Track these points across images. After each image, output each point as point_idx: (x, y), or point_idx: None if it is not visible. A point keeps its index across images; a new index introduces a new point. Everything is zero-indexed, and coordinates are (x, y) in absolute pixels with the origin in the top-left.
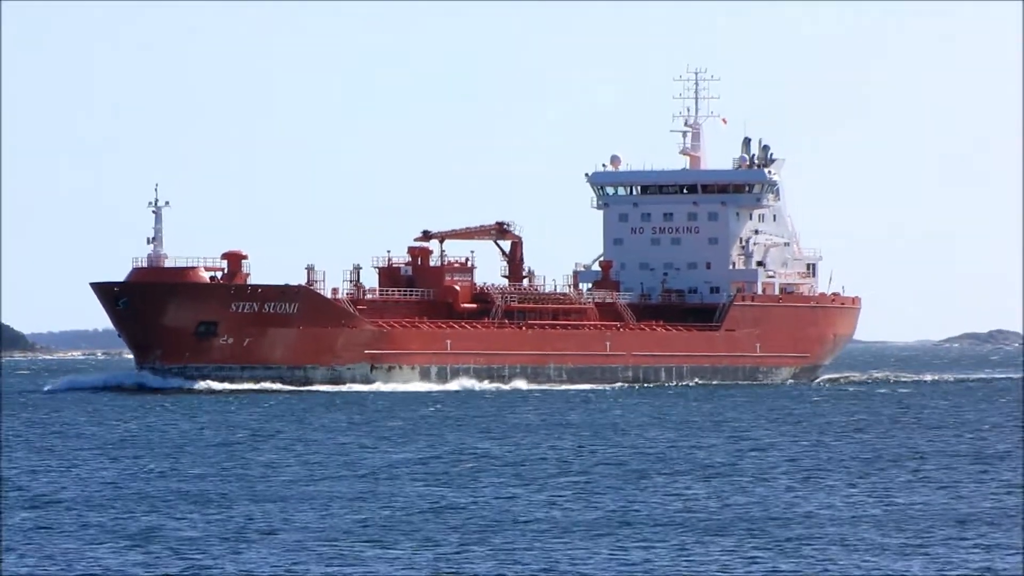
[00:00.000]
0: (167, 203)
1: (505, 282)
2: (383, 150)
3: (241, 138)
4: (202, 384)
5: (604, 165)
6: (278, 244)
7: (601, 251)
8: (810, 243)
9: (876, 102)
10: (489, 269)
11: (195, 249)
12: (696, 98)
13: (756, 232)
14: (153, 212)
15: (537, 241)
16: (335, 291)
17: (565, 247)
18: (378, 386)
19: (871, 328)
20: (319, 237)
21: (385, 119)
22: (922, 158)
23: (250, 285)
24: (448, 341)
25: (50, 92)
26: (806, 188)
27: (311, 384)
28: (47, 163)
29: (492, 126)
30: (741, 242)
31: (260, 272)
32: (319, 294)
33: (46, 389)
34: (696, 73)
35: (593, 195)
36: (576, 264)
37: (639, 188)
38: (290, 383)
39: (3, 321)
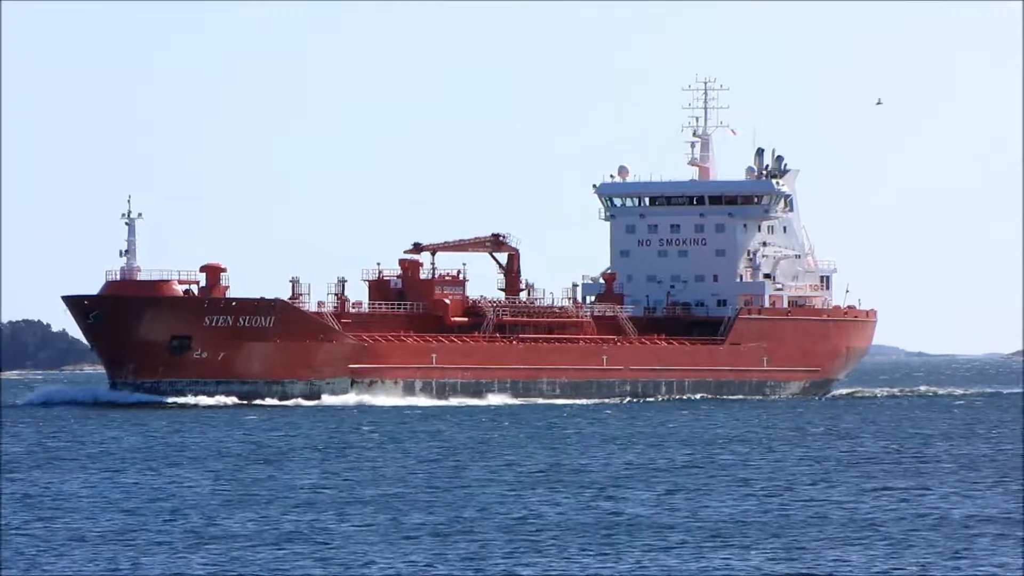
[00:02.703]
0: (140, 215)
1: (502, 295)
2: (375, 159)
3: (227, 148)
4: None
5: (612, 176)
6: (267, 257)
7: (608, 263)
8: (844, 256)
9: (897, 108)
10: (487, 282)
11: (180, 262)
12: (705, 108)
13: (764, 244)
14: (126, 224)
15: (542, 254)
16: (321, 304)
17: (572, 260)
18: (362, 400)
19: (937, 341)
20: (308, 250)
21: (377, 126)
22: (959, 164)
23: (224, 298)
24: (434, 355)
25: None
26: (835, 200)
27: (288, 399)
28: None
29: (493, 136)
30: (749, 254)
31: (245, 285)
32: (296, 307)
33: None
34: (705, 83)
35: (600, 206)
36: (583, 276)
37: (647, 199)
38: (267, 398)
39: (73, 336)
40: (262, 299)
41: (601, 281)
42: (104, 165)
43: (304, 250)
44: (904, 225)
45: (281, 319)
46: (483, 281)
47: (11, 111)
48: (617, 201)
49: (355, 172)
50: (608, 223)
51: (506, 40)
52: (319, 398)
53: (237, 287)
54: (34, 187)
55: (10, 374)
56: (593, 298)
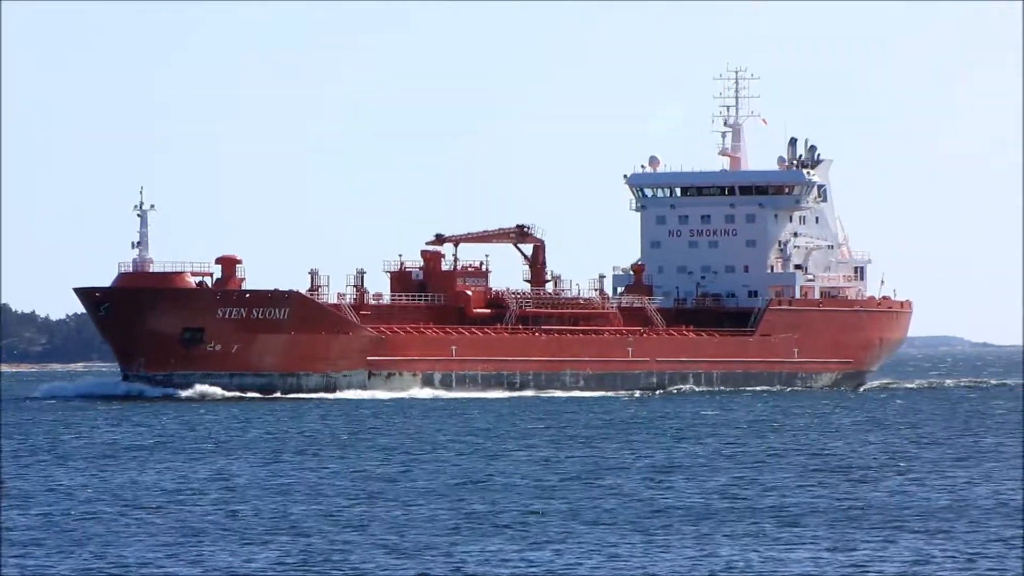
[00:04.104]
0: (152, 206)
1: (527, 287)
2: (398, 150)
3: (249, 139)
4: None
5: (643, 166)
6: (289, 249)
7: (639, 254)
8: (897, 247)
9: (931, 98)
10: (513, 274)
11: (201, 254)
12: (736, 97)
13: (795, 235)
14: (138, 215)
15: (572, 245)
16: (341, 296)
17: (603, 251)
18: (378, 393)
19: (1002, 332)
20: (330, 242)
21: (400, 117)
22: (1002, 150)
23: (237, 290)
24: (454, 347)
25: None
26: (879, 190)
27: (303, 392)
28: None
29: (519, 126)
30: (780, 245)
31: (265, 278)
32: (311, 299)
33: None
34: (736, 72)
35: (632, 197)
36: (614, 268)
37: (678, 190)
38: (282, 391)
39: None
40: (276, 291)
41: (631, 272)
42: (127, 157)
43: (326, 242)
44: (956, 213)
45: (296, 311)
46: (509, 273)
47: (33, 104)
48: (648, 191)
49: (378, 163)
50: (639, 214)
51: (533, 29)
52: (335, 391)
53: (256, 279)
54: (59, 177)
55: (75, 366)
56: (622, 289)
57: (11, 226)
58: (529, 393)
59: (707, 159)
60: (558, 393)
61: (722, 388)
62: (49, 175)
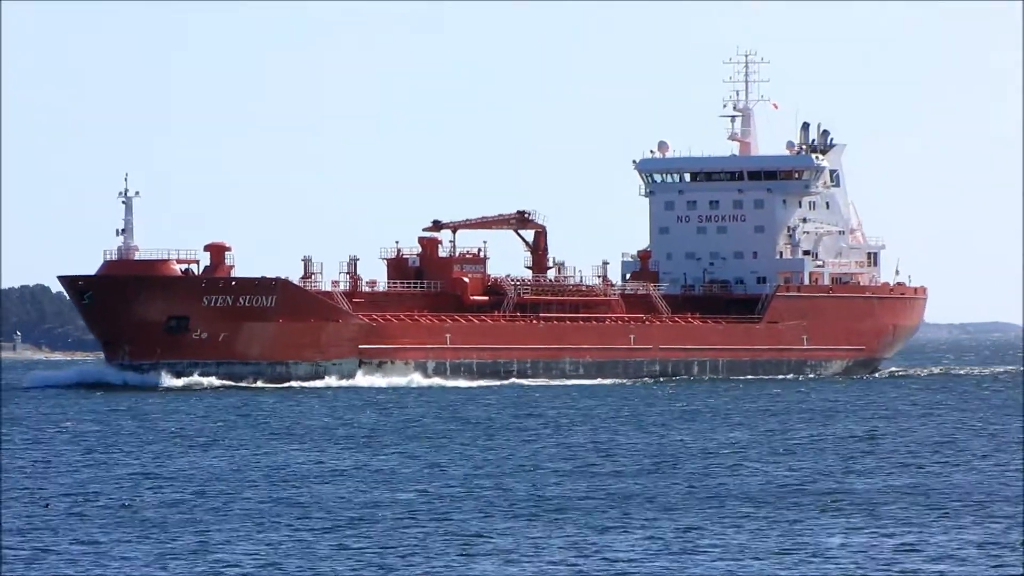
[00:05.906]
0: (137, 193)
1: (528, 274)
2: (396, 134)
3: (243, 125)
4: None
5: (652, 152)
6: (286, 237)
7: (648, 240)
8: (919, 233)
9: (948, 82)
10: (515, 261)
11: (192, 241)
12: (746, 81)
13: (804, 220)
14: (123, 203)
15: (580, 232)
16: (335, 283)
17: (612, 237)
18: (373, 381)
19: None
20: (328, 229)
21: (400, 101)
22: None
23: (223, 278)
24: (448, 335)
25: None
26: (901, 176)
27: (291, 380)
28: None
29: (528, 112)
30: (788, 230)
31: (259, 265)
32: (299, 286)
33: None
34: (746, 56)
35: (641, 183)
36: (623, 254)
37: (687, 175)
38: (270, 379)
39: None
40: (263, 278)
41: (639, 259)
42: (122, 145)
43: (322, 230)
44: (997, 197)
45: (283, 298)
46: (511, 260)
47: (22, 94)
48: (657, 177)
49: (375, 148)
50: (647, 199)
51: (537, 11)
52: (324, 379)
53: (250, 267)
54: (59, 164)
55: None
56: (628, 276)
57: (33, 214)
58: (535, 381)
59: (717, 144)
60: (558, 382)
61: (720, 376)
62: (48, 169)
